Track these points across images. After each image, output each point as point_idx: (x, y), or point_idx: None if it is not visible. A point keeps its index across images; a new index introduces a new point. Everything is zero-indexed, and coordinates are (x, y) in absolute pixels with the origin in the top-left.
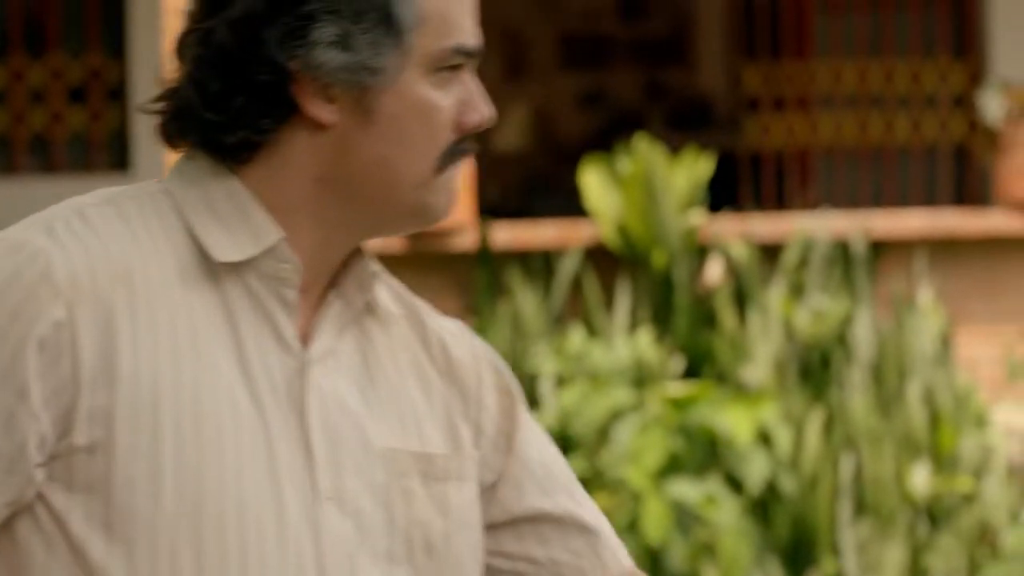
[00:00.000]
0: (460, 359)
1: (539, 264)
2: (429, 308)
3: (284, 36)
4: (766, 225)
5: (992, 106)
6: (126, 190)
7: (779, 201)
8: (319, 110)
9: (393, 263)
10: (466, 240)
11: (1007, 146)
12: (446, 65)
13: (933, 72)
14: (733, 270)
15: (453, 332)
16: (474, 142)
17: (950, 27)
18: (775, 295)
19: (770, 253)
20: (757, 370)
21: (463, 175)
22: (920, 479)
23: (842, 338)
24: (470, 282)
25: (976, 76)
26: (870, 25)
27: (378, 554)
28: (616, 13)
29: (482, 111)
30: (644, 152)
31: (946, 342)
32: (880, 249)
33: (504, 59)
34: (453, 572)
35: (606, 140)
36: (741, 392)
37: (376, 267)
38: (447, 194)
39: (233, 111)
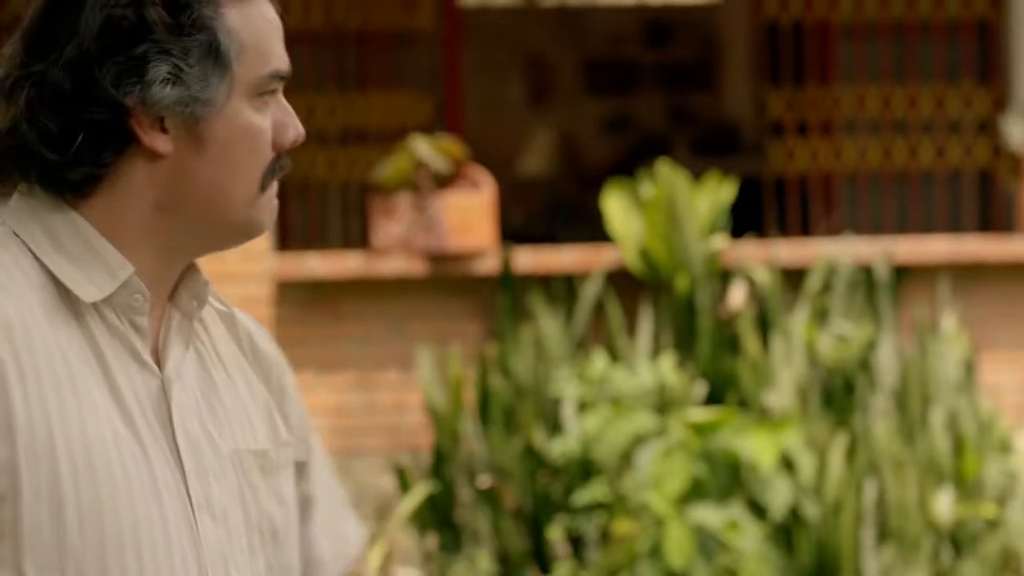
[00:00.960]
0: (265, 351)
1: (562, 289)
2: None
3: (119, 75)
4: (789, 250)
5: (1016, 132)
6: None
7: (803, 226)
8: (155, 141)
9: (415, 288)
10: (488, 265)
11: None
12: (265, 90)
13: (957, 98)
14: (756, 295)
15: (254, 324)
16: (289, 159)
17: (974, 53)
18: (798, 320)
19: (793, 278)
20: (780, 395)
21: (487, 200)
22: (944, 505)
23: (865, 364)
24: (492, 307)
25: (1000, 102)
26: (894, 51)
27: (243, 550)
28: (641, 38)
29: (296, 129)
30: (666, 176)
31: (970, 368)
32: (904, 274)
33: (529, 84)
34: (290, 555)
35: (631, 165)
36: (764, 417)
37: (205, 276)
38: (271, 210)
39: (74, 149)
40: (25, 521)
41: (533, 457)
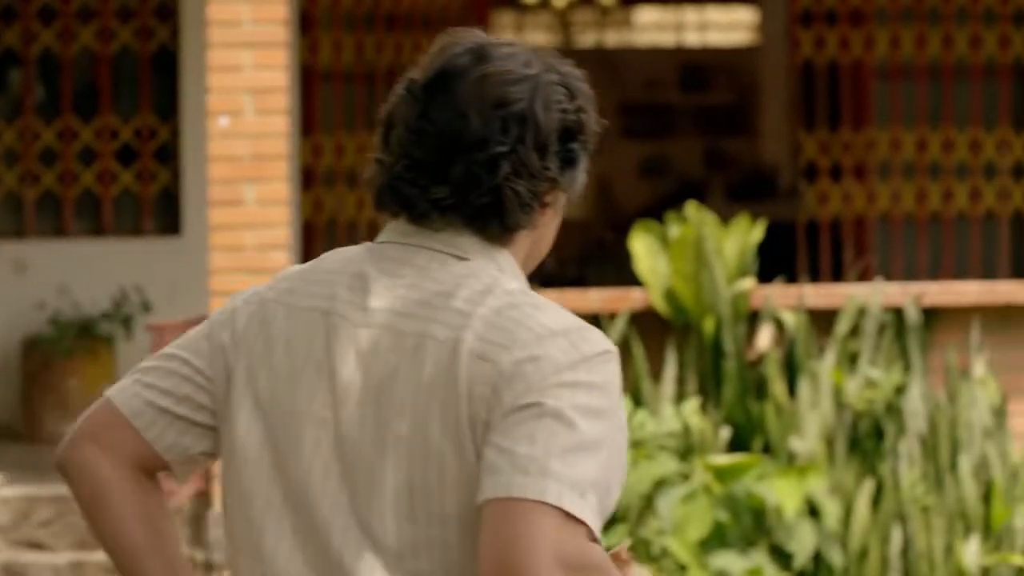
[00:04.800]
0: None
1: None
2: None
3: (561, 160)
4: (818, 293)
5: None
6: (502, 277)
7: (836, 271)
8: (546, 212)
9: None
10: None
11: None
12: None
13: (993, 141)
14: (784, 338)
15: None
16: None
17: (1011, 97)
18: (826, 364)
19: (822, 322)
20: (806, 440)
21: None
22: (971, 554)
23: (894, 409)
24: None
25: None
26: (930, 93)
27: None
28: (677, 82)
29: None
30: (695, 218)
31: (1000, 414)
32: (934, 319)
33: None
34: None
35: (667, 210)
36: (790, 463)
37: None
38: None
39: (528, 209)
40: None
41: None
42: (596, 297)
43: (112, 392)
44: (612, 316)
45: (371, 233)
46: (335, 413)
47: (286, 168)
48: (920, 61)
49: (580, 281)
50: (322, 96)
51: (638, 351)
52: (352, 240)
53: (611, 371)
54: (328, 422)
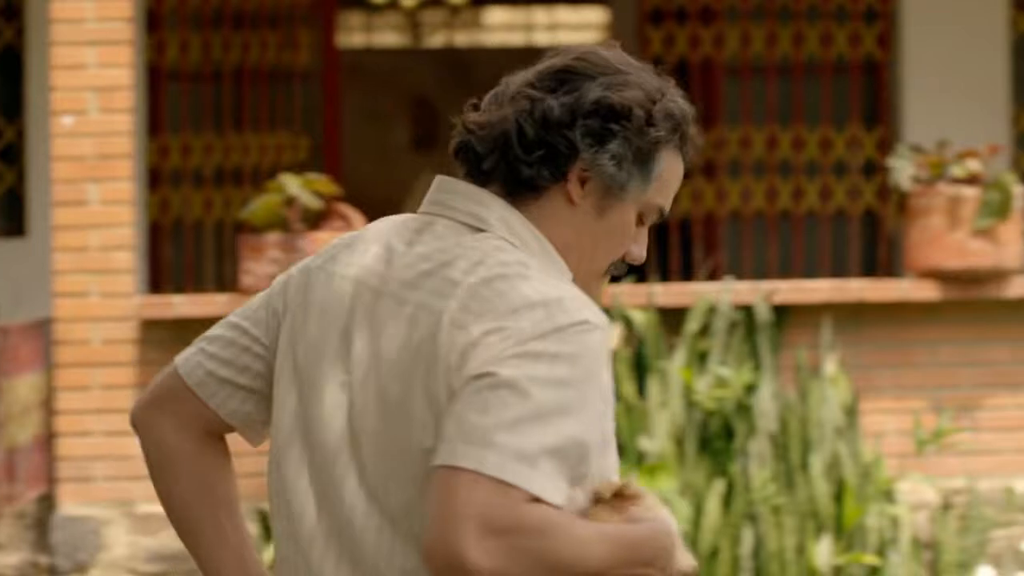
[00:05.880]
0: None
1: None
2: None
3: (588, 133)
4: (667, 292)
5: (903, 173)
6: (504, 249)
7: (685, 269)
8: (574, 188)
9: None
10: None
11: (917, 213)
12: (647, 214)
13: (843, 139)
14: (633, 337)
15: None
16: (625, 267)
17: (862, 95)
18: (676, 363)
19: (672, 321)
20: (656, 440)
21: None
22: (823, 553)
23: (744, 407)
24: None
25: (886, 143)
26: (780, 92)
27: None
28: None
29: (643, 252)
30: None
31: (851, 412)
32: (785, 317)
33: (415, 128)
34: None
35: None
36: (639, 462)
37: None
38: (600, 291)
39: (533, 154)
40: None
41: None
42: None
43: (179, 360)
44: None
45: (218, 233)
46: (350, 379)
47: (131, 167)
48: (770, 59)
49: None
50: (169, 95)
51: None
52: (198, 241)
53: (586, 341)
54: (345, 387)
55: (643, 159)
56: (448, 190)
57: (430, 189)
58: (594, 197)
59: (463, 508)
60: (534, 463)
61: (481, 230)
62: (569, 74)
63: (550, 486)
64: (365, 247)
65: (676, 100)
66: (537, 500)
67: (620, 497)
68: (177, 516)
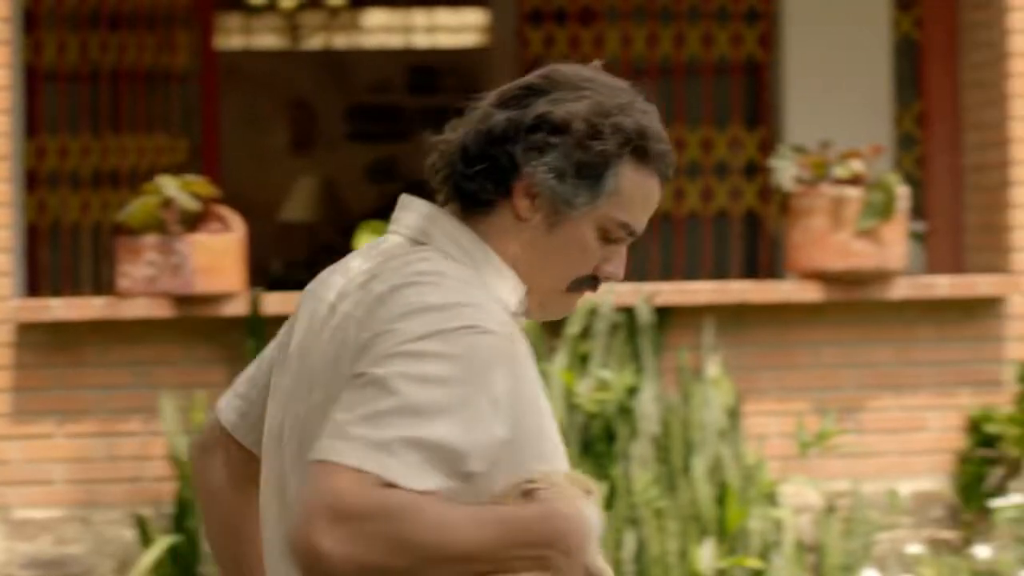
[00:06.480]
0: None
1: None
2: None
3: (528, 147)
4: None
5: (785, 173)
6: (430, 260)
7: None
8: (520, 203)
9: (160, 332)
10: (236, 308)
11: (800, 214)
12: (613, 232)
13: (725, 140)
14: None
15: None
16: (596, 286)
17: (743, 95)
18: (556, 365)
19: (553, 323)
20: None
21: (237, 241)
22: (706, 557)
23: (626, 410)
24: (240, 352)
25: (768, 144)
26: (661, 93)
27: None
28: (406, 84)
29: (618, 271)
30: None
31: (734, 415)
32: (667, 319)
33: (293, 130)
34: None
35: None
36: None
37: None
38: (563, 308)
39: (474, 169)
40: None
41: None
42: None
43: (219, 404)
44: None
45: (95, 236)
46: (294, 391)
47: (7, 169)
48: (651, 60)
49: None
50: (46, 96)
51: None
52: (75, 243)
53: (473, 343)
54: (295, 399)
55: (589, 173)
56: (404, 207)
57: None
58: (544, 212)
59: (316, 498)
60: (392, 451)
61: (423, 243)
62: (528, 90)
63: (411, 473)
64: (342, 264)
65: (633, 116)
66: (392, 486)
67: (527, 495)
68: (213, 554)
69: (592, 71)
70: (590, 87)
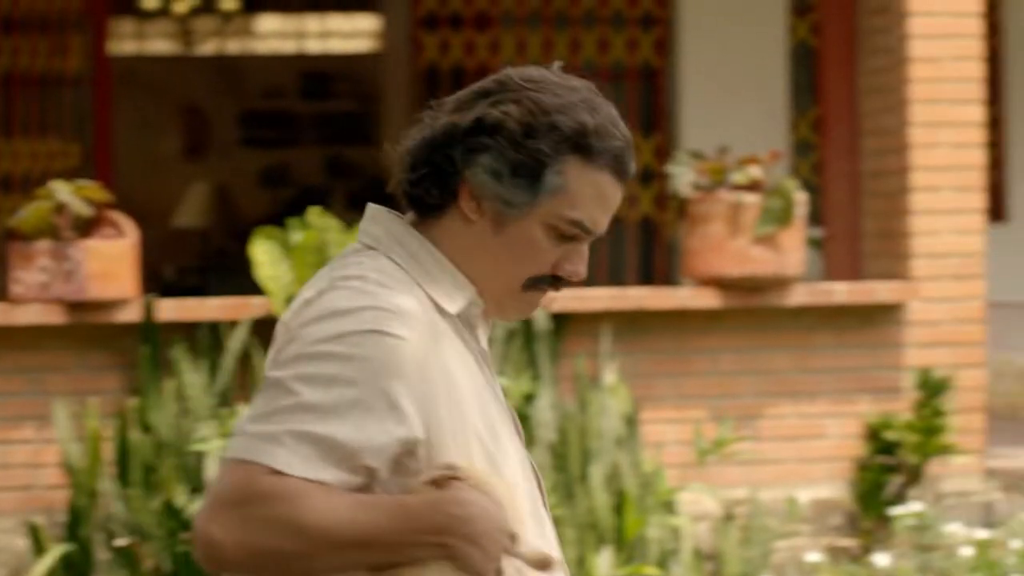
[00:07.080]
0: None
1: (206, 339)
2: None
3: (465, 150)
4: None
5: (682, 179)
6: (362, 264)
7: None
8: (467, 206)
9: (52, 339)
10: (130, 314)
11: (697, 220)
12: (565, 230)
13: None
14: None
15: None
16: (558, 284)
17: (639, 101)
18: None
19: None
20: None
21: (130, 247)
22: (604, 565)
23: (523, 417)
24: (133, 359)
25: (664, 150)
26: None
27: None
28: (299, 91)
29: (577, 269)
30: (317, 223)
31: (632, 422)
32: (563, 325)
33: (185, 136)
34: None
35: (289, 218)
36: None
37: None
38: (521, 309)
39: (417, 174)
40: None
41: (174, 516)
42: (215, 305)
43: None
44: (233, 324)
45: (6, 239)
46: None
47: None
48: (546, 63)
49: (201, 290)
50: None
51: (260, 359)
52: None
53: (371, 346)
54: None
55: (526, 172)
56: (365, 215)
57: None
58: (491, 213)
59: (210, 493)
60: (281, 442)
61: (372, 248)
62: (476, 94)
63: (299, 462)
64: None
65: (574, 114)
66: (279, 474)
67: (438, 484)
68: None
69: (542, 72)
70: (534, 88)
